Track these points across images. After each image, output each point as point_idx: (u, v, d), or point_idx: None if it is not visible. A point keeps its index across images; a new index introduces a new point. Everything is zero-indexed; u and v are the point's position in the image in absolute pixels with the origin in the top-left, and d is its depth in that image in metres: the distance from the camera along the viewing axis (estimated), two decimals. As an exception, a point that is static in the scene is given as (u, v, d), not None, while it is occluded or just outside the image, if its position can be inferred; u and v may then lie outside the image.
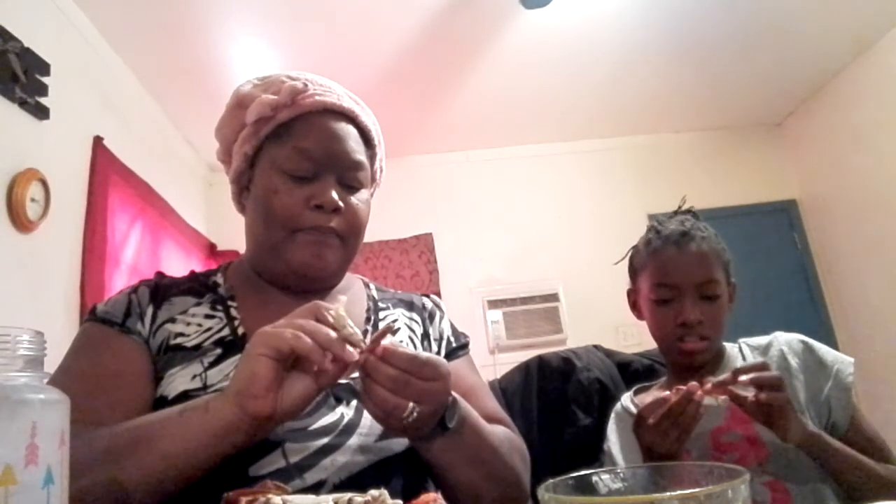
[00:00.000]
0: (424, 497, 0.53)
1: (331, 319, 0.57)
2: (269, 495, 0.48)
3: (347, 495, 0.48)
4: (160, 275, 0.83)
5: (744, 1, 2.77)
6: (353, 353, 0.56)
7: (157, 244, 2.82)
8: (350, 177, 0.79)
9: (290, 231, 0.75)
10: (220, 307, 0.77)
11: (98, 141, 2.34)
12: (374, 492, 0.48)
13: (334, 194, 0.75)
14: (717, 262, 0.99)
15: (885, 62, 3.22)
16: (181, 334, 0.73)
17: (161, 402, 0.68)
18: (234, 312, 0.77)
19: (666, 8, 2.77)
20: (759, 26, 2.98)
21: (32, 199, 1.88)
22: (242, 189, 0.83)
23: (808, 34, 3.10)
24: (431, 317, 0.91)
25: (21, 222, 1.83)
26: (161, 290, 0.78)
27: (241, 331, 0.75)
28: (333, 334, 0.56)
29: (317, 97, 0.78)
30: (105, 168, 2.36)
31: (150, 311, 0.75)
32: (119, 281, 2.38)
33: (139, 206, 2.65)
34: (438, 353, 0.87)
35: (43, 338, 0.40)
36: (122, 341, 0.72)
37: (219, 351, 0.72)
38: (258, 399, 0.54)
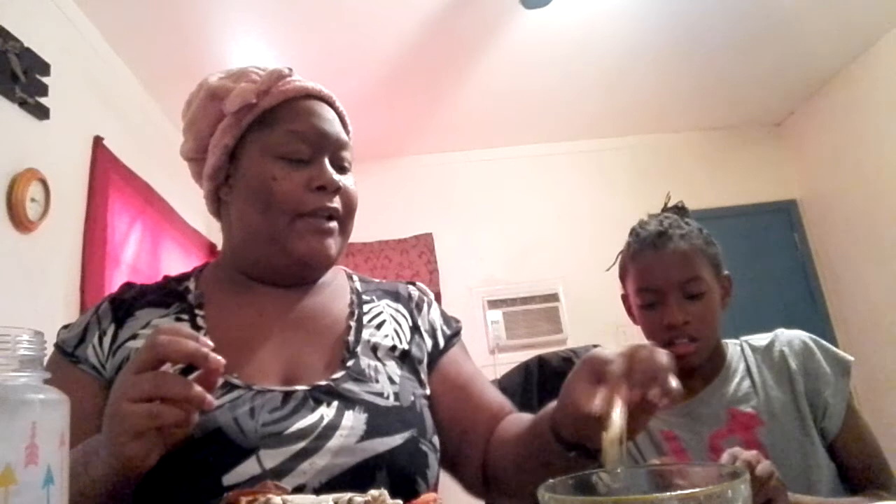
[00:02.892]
0: (424, 497, 0.53)
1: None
2: (269, 495, 0.48)
3: (347, 495, 0.48)
4: (128, 286, 0.80)
5: (744, 1, 2.77)
6: (218, 360, 0.55)
7: (157, 244, 2.82)
8: (341, 157, 0.79)
9: (292, 217, 0.73)
10: (185, 317, 0.75)
11: (98, 141, 2.34)
12: (374, 492, 0.48)
13: (334, 174, 0.75)
14: (699, 258, 0.97)
15: (885, 62, 3.23)
16: None
17: None
18: (200, 322, 0.74)
19: (666, 8, 2.77)
20: (759, 26, 2.98)
21: (32, 199, 1.88)
22: (219, 185, 0.80)
23: (807, 34, 3.10)
24: (419, 306, 0.87)
25: (21, 222, 1.83)
26: (125, 304, 0.76)
27: None
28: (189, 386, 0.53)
29: (297, 83, 0.78)
30: (105, 168, 2.36)
31: (111, 330, 0.73)
32: (119, 281, 2.38)
33: (139, 206, 2.65)
34: (435, 344, 0.84)
35: (43, 338, 0.40)
36: (70, 374, 0.70)
37: (180, 365, 0.71)
38: (144, 467, 0.53)
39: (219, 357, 0.55)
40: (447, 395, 0.80)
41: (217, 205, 0.83)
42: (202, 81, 0.79)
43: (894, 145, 3.20)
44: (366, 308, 0.82)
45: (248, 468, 0.61)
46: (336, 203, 0.76)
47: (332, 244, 0.76)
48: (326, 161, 0.76)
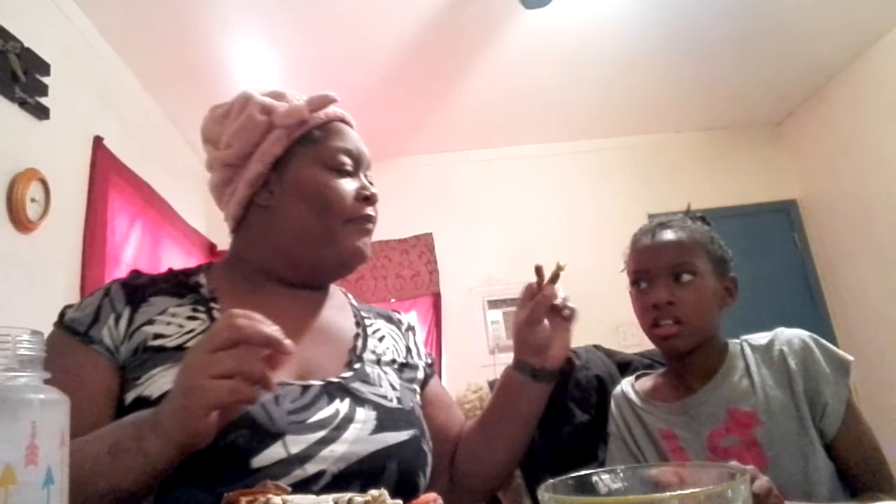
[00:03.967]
0: (424, 497, 0.53)
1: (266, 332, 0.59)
2: (269, 495, 0.48)
3: (347, 495, 0.48)
4: (136, 273, 0.82)
5: (744, 1, 2.77)
6: (291, 344, 0.59)
7: (157, 244, 2.82)
8: (369, 174, 0.90)
9: (344, 220, 0.82)
10: (202, 308, 0.78)
11: (98, 141, 2.34)
12: (374, 492, 0.48)
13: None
14: (696, 248, 0.98)
15: (884, 63, 3.23)
16: (160, 335, 0.73)
17: (143, 403, 0.67)
18: (216, 314, 0.77)
19: (666, 8, 2.77)
20: (759, 26, 2.98)
21: (32, 199, 1.88)
22: (257, 191, 0.85)
23: (807, 34, 3.10)
24: (408, 332, 0.98)
25: (21, 222, 1.84)
26: (138, 290, 0.77)
27: None
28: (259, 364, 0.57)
29: (338, 109, 0.89)
30: (105, 168, 2.36)
31: (126, 312, 0.74)
32: (119, 281, 2.38)
33: (139, 206, 2.65)
34: (423, 367, 0.94)
35: (42, 338, 0.40)
36: (83, 355, 0.70)
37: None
38: (206, 442, 0.57)
39: (290, 341, 0.59)
40: (433, 415, 0.89)
41: (245, 210, 0.86)
42: (246, 95, 0.86)
43: (894, 145, 3.20)
44: (367, 322, 0.91)
45: (275, 452, 0.65)
46: (373, 212, 0.87)
47: (370, 245, 0.87)
48: (363, 175, 0.87)
